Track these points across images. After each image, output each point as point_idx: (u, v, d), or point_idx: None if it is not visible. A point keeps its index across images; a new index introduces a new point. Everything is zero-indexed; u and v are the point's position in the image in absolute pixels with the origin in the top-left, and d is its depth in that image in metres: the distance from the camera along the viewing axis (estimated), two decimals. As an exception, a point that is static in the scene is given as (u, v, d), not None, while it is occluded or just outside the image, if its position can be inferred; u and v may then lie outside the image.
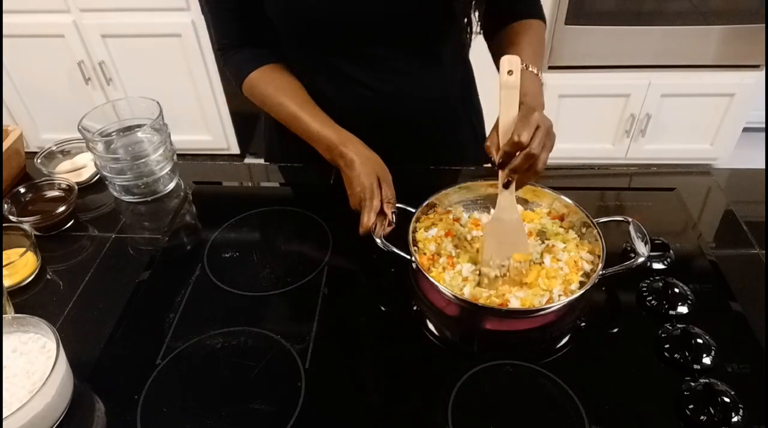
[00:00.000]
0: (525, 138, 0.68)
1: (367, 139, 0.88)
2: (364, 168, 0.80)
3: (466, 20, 0.91)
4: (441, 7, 0.84)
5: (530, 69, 0.83)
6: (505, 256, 0.75)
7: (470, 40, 0.98)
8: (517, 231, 0.75)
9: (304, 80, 0.93)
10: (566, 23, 2.02)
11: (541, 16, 0.96)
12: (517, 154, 0.69)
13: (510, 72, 0.69)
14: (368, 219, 0.77)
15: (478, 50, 1.01)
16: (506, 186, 0.72)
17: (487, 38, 0.99)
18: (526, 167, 0.70)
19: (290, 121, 0.89)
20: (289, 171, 1.10)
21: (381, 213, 0.78)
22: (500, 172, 0.72)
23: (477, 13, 0.90)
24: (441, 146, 1.03)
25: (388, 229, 0.78)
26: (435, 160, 1.01)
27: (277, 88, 0.90)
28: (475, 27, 0.93)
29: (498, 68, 0.85)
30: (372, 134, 0.94)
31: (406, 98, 0.93)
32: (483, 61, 1.00)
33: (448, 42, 0.93)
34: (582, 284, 0.73)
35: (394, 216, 0.78)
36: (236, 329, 0.74)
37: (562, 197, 0.83)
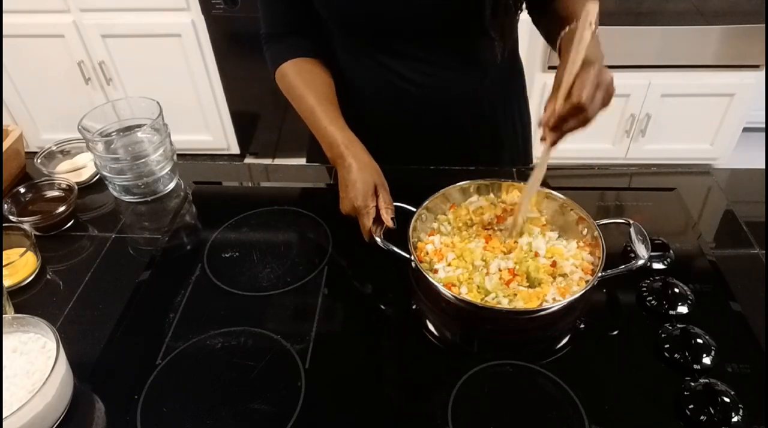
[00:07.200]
0: (584, 98, 0.67)
1: (404, 135, 0.90)
2: (361, 174, 0.80)
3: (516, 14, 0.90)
4: (478, 6, 0.83)
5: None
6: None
7: (513, 42, 0.97)
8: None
9: (349, 72, 0.94)
10: (566, 23, 2.02)
11: None
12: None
13: (591, 24, 0.66)
14: (366, 224, 0.78)
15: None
16: (554, 143, 0.72)
17: (536, 18, 0.97)
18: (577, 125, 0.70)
19: (306, 115, 0.89)
20: (289, 171, 1.10)
21: (378, 219, 0.78)
22: (548, 130, 0.71)
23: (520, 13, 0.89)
24: (478, 145, 1.03)
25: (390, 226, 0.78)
26: (471, 158, 1.02)
27: (304, 81, 0.91)
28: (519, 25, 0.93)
29: (552, 44, 0.86)
30: (410, 130, 0.96)
31: (445, 95, 0.94)
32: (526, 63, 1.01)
33: (490, 41, 0.92)
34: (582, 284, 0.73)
35: (393, 221, 0.78)
36: (236, 329, 0.74)
37: (562, 197, 0.83)
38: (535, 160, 1.15)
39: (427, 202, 0.82)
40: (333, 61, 0.95)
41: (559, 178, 1.03)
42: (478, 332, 0.74)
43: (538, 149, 0.77)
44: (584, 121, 0.70)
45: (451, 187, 0.85)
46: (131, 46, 2.22)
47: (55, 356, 0.62)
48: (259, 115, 2.49)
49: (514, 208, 0.84)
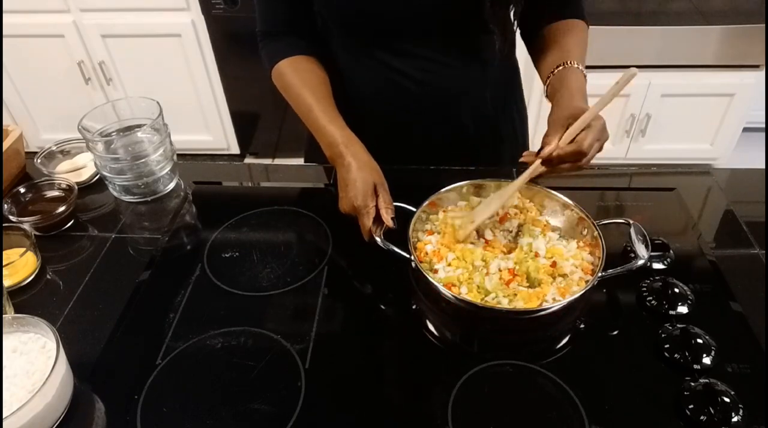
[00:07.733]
0: (586, 147, 0.73)
1: (405, 135, 0.91)
2: (360, 173, 0.80)
3: (512, 15, 0.90)
4: (475, 6, 0.83)
5: (576, 66, 0.85)
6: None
7: (512, 41, 0.98)
8: (493, 205, 0.80)
9: (348, 72, 0.94)
10: (566, 23, 2.02)
11: (584, 17, 0.96)
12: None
13: (617, 83, 0.72)
14: (366, 224, 0.78)
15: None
16: (537, 175, 0.77)
17: (526, 38, 0.99)
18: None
19: (304, 113, 0.89)
20: (289, 171, 1.10)
21: (378, 219, 0.78)
22: (539, 163, 0.76)
23: (513, 13, 0.90)
24: (479, 144, 1.03)
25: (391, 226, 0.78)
26: (472, 158, 1.02)
27: (302, 79, 0.91)
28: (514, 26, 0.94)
29: (537, 68, 0.91)
30: (410, 129, 0.96)
31: (446, 93, 0.94)
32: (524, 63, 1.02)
33: (492, 40, 0.92)
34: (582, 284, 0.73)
35: (393, 221, 0.78)
36: (236, 329, 0.74)
37: (562, 197, 0.83)
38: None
39: (424, 205, 0.82)
40: (330, 61, 0.95)
41: (560, 178, 1.03)
42: (478, 332, 0.74)
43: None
44: (574, 168, 0.76)
45: (442, 191, 0.84)
46: (131, 46, 2.22)
47: (55, 356, 0.62)
48: (259, 115, 2.49)
49: (520, 209, 0.84)
